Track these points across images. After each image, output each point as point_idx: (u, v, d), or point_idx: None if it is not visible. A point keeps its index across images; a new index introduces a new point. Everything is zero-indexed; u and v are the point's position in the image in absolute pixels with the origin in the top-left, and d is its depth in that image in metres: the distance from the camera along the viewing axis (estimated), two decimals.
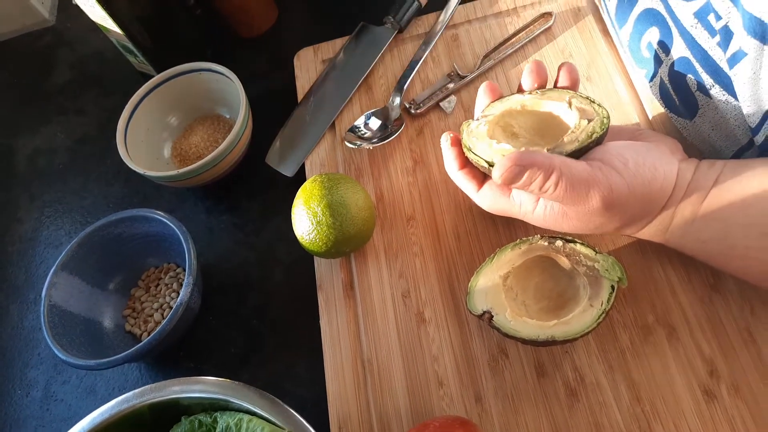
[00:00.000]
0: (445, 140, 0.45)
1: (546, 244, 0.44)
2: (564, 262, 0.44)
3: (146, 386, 0.43)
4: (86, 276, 0.55)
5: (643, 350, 0.43)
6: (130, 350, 0.47)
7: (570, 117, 0.42)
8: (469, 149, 0.43)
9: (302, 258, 0.55)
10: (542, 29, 0.60)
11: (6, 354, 0.59)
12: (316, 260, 0.53)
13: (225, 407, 0.42)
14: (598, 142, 0.40)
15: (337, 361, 0.48)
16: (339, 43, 0.65)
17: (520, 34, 0.60)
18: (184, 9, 0.67)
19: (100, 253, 0.55)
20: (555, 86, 0.44)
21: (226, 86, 0.61)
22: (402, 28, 0.62)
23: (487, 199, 0.44)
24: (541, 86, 0.44)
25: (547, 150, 0.40)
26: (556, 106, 0.43)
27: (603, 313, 0.40)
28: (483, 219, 0.51)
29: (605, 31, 0.59)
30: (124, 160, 0.57)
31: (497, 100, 0.45)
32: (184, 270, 0.57)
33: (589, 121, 0.40)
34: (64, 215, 0.66)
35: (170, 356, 0.54)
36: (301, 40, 0.67)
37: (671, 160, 0.40)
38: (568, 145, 0.40)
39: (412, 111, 0.58)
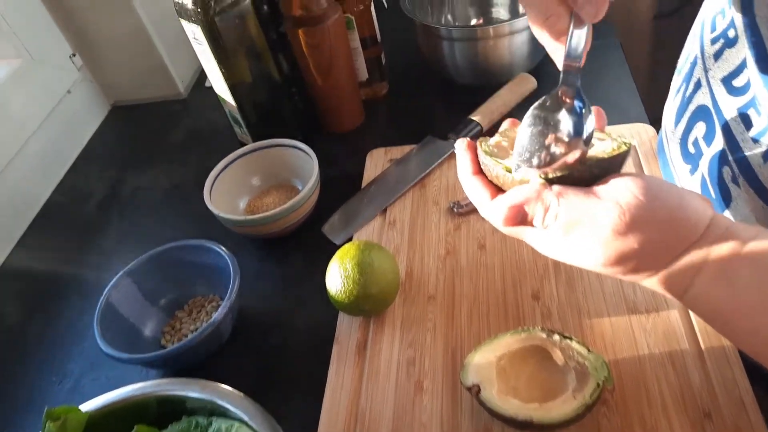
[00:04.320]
0: (461, 143, 0.43)
1: (544, 336, 0.48)
2: (558, 356, 0.47)
3: (157, 380, 0.49)
4: (144, 288, 0.63)
5: None
6: (158, 352, 0.53)
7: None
8: (488, 153, 0.41)
9: (328, 315, 0.60)
10: None
11: (56, 342, 0.66)
12: (340, 316, 0.58)
13: (223, 414, 0.46)
14: (623, 160, 0.38)
15: (334, 404, 0.51)
16: (407, 149, 0.75)
17: None
18: (289, 99, 0.81)
19: (162, 271, 0.63)
20: None
21: (305, 163, 0.71)
22: None
23: (501, 211, 0.39)
24: None
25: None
26: None
27: (583, 406, 0.42)
28: (497, 309, 0.55)
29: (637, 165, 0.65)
30: (205, 200, 0.67)
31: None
32: (230, 287, 0.63)
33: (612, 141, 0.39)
34: (143, 239, 0.76)
35: (192, 374, 0.59)
36: (377, 141, 0.79)
37: (704, 204, 0.36)
38: (595, 154, 0.38)
39: (455, 210, 0.65)
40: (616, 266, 0.36)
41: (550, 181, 0.38)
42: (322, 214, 0.70)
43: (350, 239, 0.66)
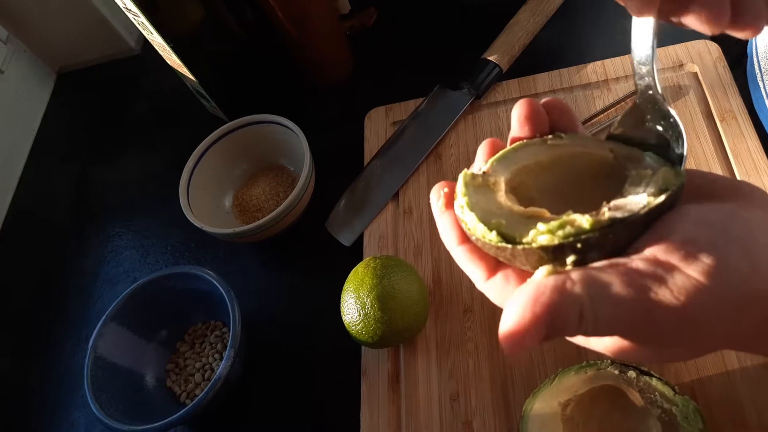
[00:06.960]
0: (436, 199, 0.30)
1: (617, 372, 0.39)
2: (636, 397, 0.39)
3: None
4: (134, 327, 0.54)
5: None
6: (161, 422, 0.46)
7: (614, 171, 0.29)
8: (470, 203, 0.28)
9: (349, 337, 0.52)
10: None
11: (55, 391, 0.60)
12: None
13: None
14: (674, 199, 0.26)
15: None
16: (412, 105, 0.62)
17: (608, 111, 0.55)
18: (260, 59, 0.66)
19: (151, 305, 0.55)
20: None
21: (292, 139, 0.59)
22: (479, 94, 0.58)
23: (501, 295, 0.28)
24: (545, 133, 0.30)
25: (607, 209, 0.25)
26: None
27: None
28: None
29: (708, 114, 0.53)
30: (185, 213, 0.56)
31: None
32: (230, 329, 0.56)
33: (653, 170, 0.27)
34: (125, 252, 0.66)
35: (207, 421, 0.53)
36: (374, 95, 0.65)
37: None
38: (631, 205, 0.25)
39: None
40: (696, 353, 0.27)
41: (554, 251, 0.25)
42: (323, 199, 0.59)
43: (360, 236, 0.56)
